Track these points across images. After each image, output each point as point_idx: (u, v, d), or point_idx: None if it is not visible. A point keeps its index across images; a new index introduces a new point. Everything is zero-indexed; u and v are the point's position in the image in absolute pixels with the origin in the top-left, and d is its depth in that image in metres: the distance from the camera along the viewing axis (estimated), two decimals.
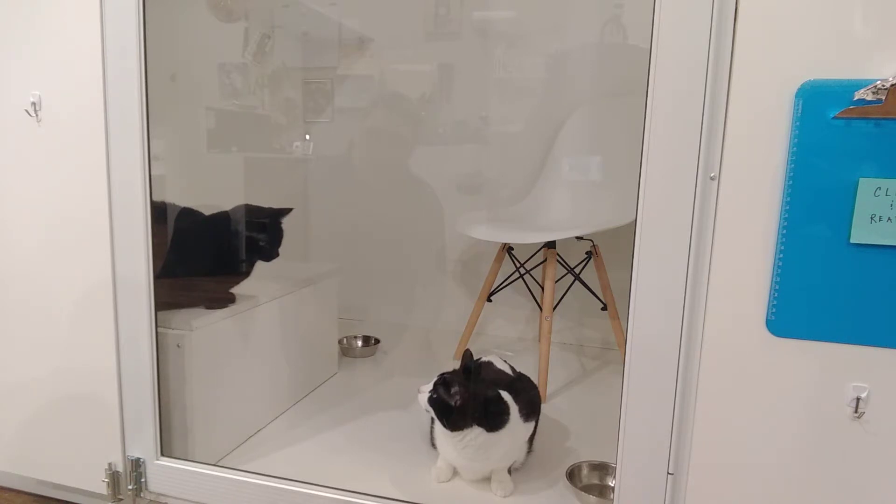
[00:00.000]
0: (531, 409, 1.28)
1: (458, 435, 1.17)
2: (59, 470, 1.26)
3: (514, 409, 1.21)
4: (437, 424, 1.20)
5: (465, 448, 1.19)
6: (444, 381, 1.18)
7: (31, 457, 1.28)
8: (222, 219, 1.42)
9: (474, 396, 1.15)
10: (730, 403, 0.89)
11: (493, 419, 1.18)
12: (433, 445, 1.33)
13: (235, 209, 1.44)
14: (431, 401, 1.17)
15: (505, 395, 1.21)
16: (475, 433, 1.17)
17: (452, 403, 1.15)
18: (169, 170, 1.44)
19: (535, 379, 1.46)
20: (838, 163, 0.80)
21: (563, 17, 2.09)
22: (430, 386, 1.19)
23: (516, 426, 1.21)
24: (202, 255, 1.41)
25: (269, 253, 1.42)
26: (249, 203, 1.46)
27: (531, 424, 1.29)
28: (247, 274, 1.44)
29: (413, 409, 1.62)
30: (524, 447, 1.30)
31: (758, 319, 0.86)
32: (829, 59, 0.79)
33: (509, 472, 1.26)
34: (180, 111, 1.75)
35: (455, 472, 1.29)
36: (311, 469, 1.32)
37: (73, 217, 1.16)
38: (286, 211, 1.44)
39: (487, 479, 1.26)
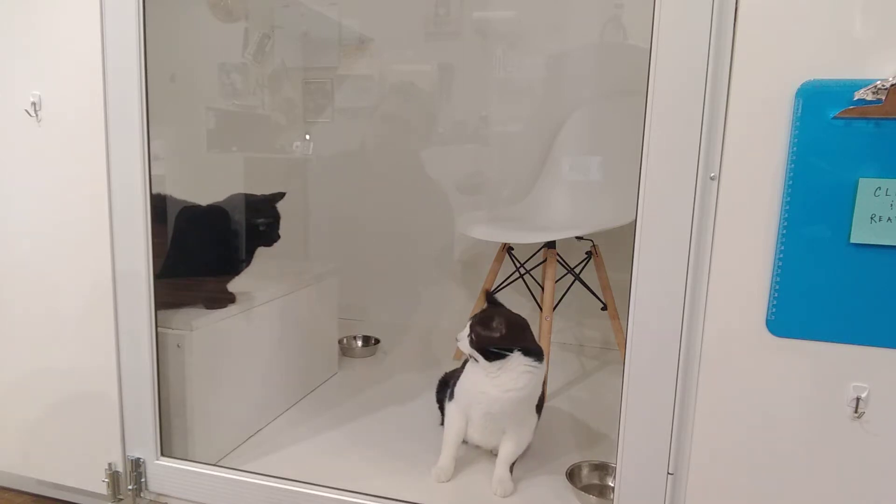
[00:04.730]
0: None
1: (497, 364, 1.19)
2: (59, 470, 1.26)
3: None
4: (465, 374, 1.25)
5: (498, 378, 1.19)
6: (480, 321, 1.21)
7: (31, 457, 1.28)
8: (219, 209, 1.42)
9: (512, 324, 1.20)
10: (730, 403, 0.89)
11: (531, 345, 1.21)
12: (441, 423, 1.35)
13: (230, 198, 1.43)
14: (474, 343, 1.19)
15: None
16: (515, 360, 1.19)
17: (497, 335, 1.18)
18: (169, 170, 1.44)
19: None
20: (838, 163, 0.80)
21: (563, 17, 2.09)
22: (466, 331, 1.22)
23: (539, 378, 1.24)
24: (203, 248, 1.41)
25: (271, 236, 1.42)
26: (241, 193, 1.46)
27: (537, 416, 1.31)
28: (248, 262, 1.44)
29: (413, 408, 1.63)
30: (530, 434, 1.30)
31: (758, 319, 0.86)
32: (829, 59, 0.79)
33: (510, 470, 1.26)
34: (180, 111, 1.75)
35: (454, 472, 1.29)
36: (311, 469, 1.32)
37: (73, 217, 1.16)
38: (279, 196, 1.45)
39: (488, 479, 1.26)
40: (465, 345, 1.22)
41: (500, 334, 1.19)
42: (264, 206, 1.43)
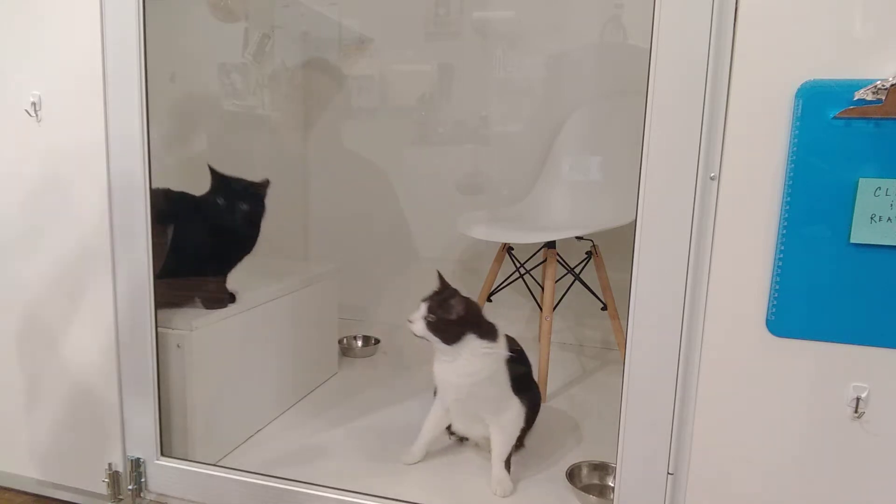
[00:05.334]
0: (533, 405, 1.30)
1: (454, 349, 1.18)
2: (59, 470, 1.26)
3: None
4: (434, 363, 1.24)
5: (456, 364, 1.19)
6: (439, 303, 1.18)
7: (31, 457, 1.28)
8: (202, 197, 1.37)
9: (469, 305, 1.19)
10: (730, 403, 0.89)
11: (485, 326, 1.21)
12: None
13: (217, 184, 1.38)
14: (432, 325, 1.16)
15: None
16: (470, 343, 1.18)
17: (454, 317, 1.16)
18: (168, 169, 1.44)
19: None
20: (838, 163, 0.80)
21: (563, 17, 2.09)
22: (422, 312, 1.18)
23: (497, 359, 1.22)
24: (201, 239, 1.37)
25: (253, 224, 1.38)
26: (223, 175, 1.39)
27: (521, 402, 1.29)
28: (249, 250, 1.41)
29: (413, 408, 1.63)
30: (517, 421, 1.28)
31: (758, 319, 0.86)
32: (829, 59, 0.79)
33: (508, 469, 1.26)
34: (180, 111, 1.75)
35: (455, 472, 1.29)
36: (311, 469, 1.32)
37: (73, 217, 1.16)
38: (263, 184, 1.39)
39: (487, 479, 1.26)
40: (419, 327, 1.17)
41: (458, 315, 1.17)
42: (247, 192, 1.37)
